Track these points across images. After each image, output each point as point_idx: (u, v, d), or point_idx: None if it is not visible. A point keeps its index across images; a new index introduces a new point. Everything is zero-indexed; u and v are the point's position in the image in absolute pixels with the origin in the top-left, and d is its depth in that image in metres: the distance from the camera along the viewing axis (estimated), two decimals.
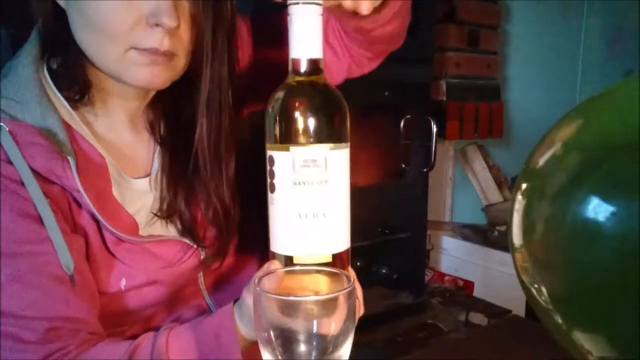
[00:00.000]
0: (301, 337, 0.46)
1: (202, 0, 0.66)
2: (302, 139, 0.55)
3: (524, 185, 0.44)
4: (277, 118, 0.56)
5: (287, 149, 0.55)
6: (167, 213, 0.73)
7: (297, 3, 0.55)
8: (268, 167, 0.56)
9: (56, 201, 0.63)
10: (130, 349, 0.61)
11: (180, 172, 0.75)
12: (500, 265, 2.03)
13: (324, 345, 0.47)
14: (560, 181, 0.40)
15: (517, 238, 0.43)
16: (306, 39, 0.56)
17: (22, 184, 0.61)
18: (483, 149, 2.37)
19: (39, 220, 0.61)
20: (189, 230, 0.74)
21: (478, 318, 1.81)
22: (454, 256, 2.22)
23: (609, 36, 2.77)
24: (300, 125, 0.55)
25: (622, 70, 2.70)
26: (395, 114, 1.81)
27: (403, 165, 1.85)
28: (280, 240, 0.56)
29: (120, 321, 0.70)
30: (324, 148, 0.55)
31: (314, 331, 0.46)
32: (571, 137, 0.42)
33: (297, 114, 0.56)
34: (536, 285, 0.41)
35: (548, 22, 2.56)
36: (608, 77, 2.69)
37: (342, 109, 0.58)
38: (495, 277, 2.04)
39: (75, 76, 0.67)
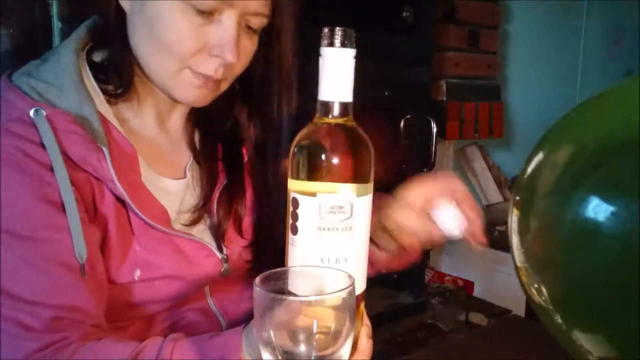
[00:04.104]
0: (301, 337, 0.46)
1: (257, 36, 0.70)
2: (328, 180, 0.54)
3: (524, 185, 0.44)
4: (303, 159, 0.55)
5: (314, 195, 0.54)
6: (192, 220, 0.74)
7: (331, 46, 0.54)
8: (291, 209, 0.55)
9: (80, 189, 0.64)
10: (134, 351, 0.60)
11: (217, 178, 0.78)
12: (500, 265, 2.03)
13: (324, 346, 0.47)
14: (560, 181, 0.40)
15: (517, 238, 0.43)
16: (338, 82, 0.55)
17: (51, 169, 0.61)
18: (483, 149, 2.37)
19: (60, 208, 0.61)
20: (215, 238, 0.76)
21: (478, 318, 1.81)
22: (454, 256, 2.22)
23: (609, 36, 2.77)
24: (326, 167, 0.55)
25: (622, 70, 2.70)
26: (395, 114, 1.81)
27: (403, 166, 1.84)
28: (300, 282, 0.54)
29: (124, 315, 0.70)
30: (351, 195, 0.54)
31: (314, 331, 0.46)
32: (571, 137, 0.41)
33: (324, 156, 0.55)
34: (536, 285, 0.41)
35: (548, 22, 2.55)
36: (608, 77, 2.68)
37: (369, 152, 0.57)
38: (495, 277, 2.04)
39: (121, 72, 0.69)
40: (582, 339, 0.39)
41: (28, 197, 0.60)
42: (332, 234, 0.54)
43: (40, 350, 0.59)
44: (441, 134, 1.99)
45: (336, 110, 0.55)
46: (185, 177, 0.76)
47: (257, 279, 0.48)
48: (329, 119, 0.56)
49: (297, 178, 0.55)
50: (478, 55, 2.18)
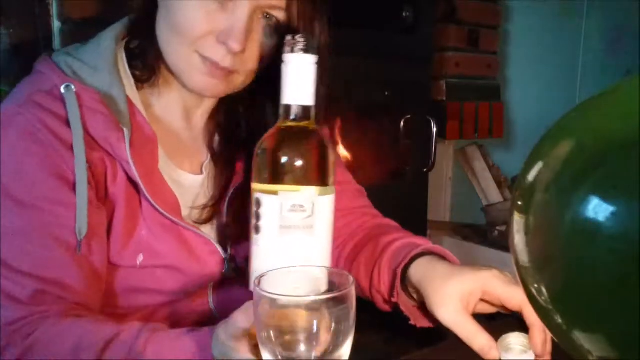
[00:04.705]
0: (301, 337, 0.46)
1: (277, 35, 0.70)
2: (289, 182, 0.56)
3: (523, 185, 0.44)
4: (266, 161, 0.57)
5: (276, 193, 0.55)
6: (202, 218, 0.75)
7: (292, 52, 0.56)
8: (254, 209, 0.57)
9: (93, 168, 0.65)
10: (111, 334, 0.59)
11: (230, 178, 0.78)
12: (500, 265, 2.02)
13: (324, 346, 0.47)
14: (559, 181, 0.40)
15: (517, 238, 0.43)
16: (299, 86, 0.57)
17: (69, 146, 0.62)
18: (483, 149, 2.36)
19: (69, 185, 0.62)
20: (222, 239, 0.76)
21: (478, 318, 1.81)
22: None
23: (609, 36, 2.77)
24: (288, 169, 0.57)
25: (622, 70, 2.70)
26: (395, 114, 1.81)
27: (403, 166, 1.84)
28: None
29: (122, 302, 0.70)
30: (312, 194, 0.56)
31: (314, 331, 0.46)
32: (571, 137, 0.41)
33: (285, 158, 0.57)
34: (536, 285, 0.41)
35: (548, 22, 2.55)
36: (608, 77, 2.68)
37: (330, 154, 0.59)
38: None
39: (148, 59, 0.72)
40: (582, 339, 0.39)
41: (39, 169, 0.61)
42: (294, 232, 0.55)
43: (17, 321, 0.59)
44: (441, 134, 1.99)
45: (298, 114, 0.57)
46: (201, 174, 0.77)
47: (257, 279, 0.48)
48: (291, 122, 0.58)
49: (260, 180, 0.57)
50: (478, 55, 2.18)
